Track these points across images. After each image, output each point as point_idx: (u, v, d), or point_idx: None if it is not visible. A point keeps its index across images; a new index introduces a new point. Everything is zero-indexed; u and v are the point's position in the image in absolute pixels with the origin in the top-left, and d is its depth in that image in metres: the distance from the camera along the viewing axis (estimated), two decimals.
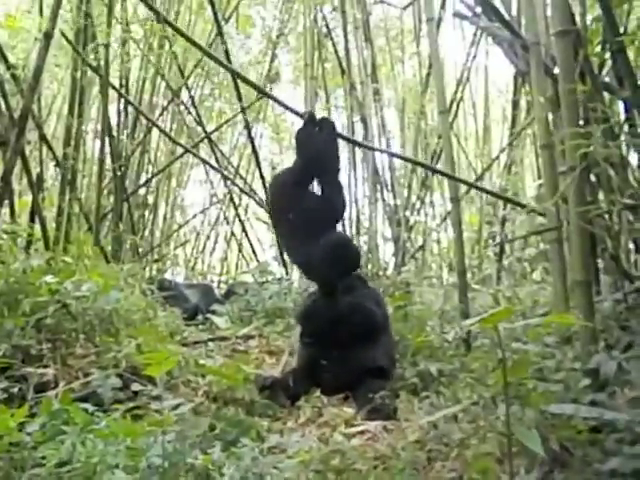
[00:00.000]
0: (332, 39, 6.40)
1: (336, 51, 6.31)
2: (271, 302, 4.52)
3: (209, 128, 6.94)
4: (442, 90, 3.75)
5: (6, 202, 3.88)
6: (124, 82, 5.91)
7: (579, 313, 1.99)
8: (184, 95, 6.75)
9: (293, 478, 1.66)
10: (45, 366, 2.49)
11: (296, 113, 3.28)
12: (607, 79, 2.63)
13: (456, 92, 5.82)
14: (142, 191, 6.60)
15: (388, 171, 5.96)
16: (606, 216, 2.36)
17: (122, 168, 5.52)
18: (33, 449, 1.79)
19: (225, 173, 6.89)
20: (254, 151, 6.53)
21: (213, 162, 6.82)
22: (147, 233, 6.80)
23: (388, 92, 7.36)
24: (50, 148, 5.00)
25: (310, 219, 2.91)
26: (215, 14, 5.79)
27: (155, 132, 6.62)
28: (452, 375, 2.64)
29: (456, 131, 6.50)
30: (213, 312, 4.53)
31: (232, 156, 8.09)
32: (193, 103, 6.73)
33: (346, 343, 2.78)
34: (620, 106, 2.63)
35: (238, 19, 7.49)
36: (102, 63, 4.67)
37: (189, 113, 6.92)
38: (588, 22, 2.60)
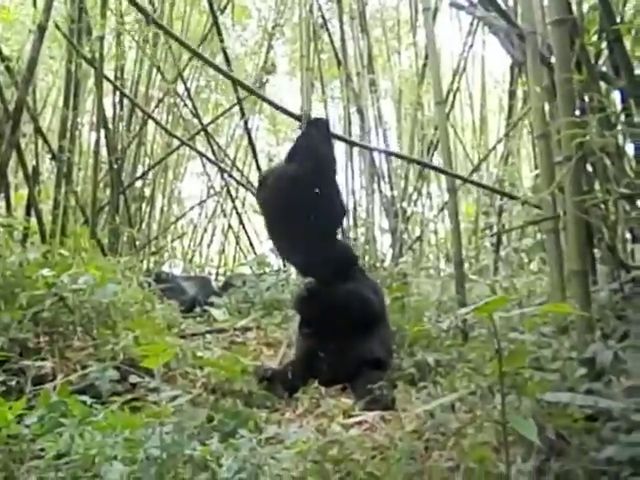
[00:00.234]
0: (328, 30, 6.37)
1: (332, 42, 6.28)
2: (269, 294, 4.53)
3: (205, 120, 6.91)
4: (439, 81, 3.74)
5: (2, 195, 3.87)
6: (119, 74, 5.89)
7: (576, 303, 1.99)
8: (180, 87, 6.72)
9: (291, 468, 1.67)
10: (43, 359, 2.49)
11: (290, 114, 3.27)
12: (604, 68, 2.62)
13: (453, 82, 5.81)
14: (139, 184, 6.58)
15: (385, 162, 5.96)
16: (602, 206, 2.36)
17: (118, 161, 5.51)
18: (31, 441, 1.80)
19: (222, 165, 6.87)
20: (251, 143, 6.51)
21: (210, 154, 6.80)
22: (144, 226, 6.79)
23: (384, 83, 7.35)
24: (45, 141, 4.98)
25: (310, 223, 2.85)
26: (211, 5, 5.75)
27: (151, 124, 6.59)
28: (449, 365, 2.64)
29: (453, 122, 6.49)
30: (211, 304, 4.54)
31: (229, 148, 8.07)
32: (189, 95, 6.71)
33: (343, 332, 2.78)
34: (616, 96, 2.63)
35: (234, 10, 7.44)
36: (97, 55, 4.64)
37: (185, 105, 6.90)
38: (584, 11, 2.59)
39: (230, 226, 8.33)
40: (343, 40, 6.18)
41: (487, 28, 4.04)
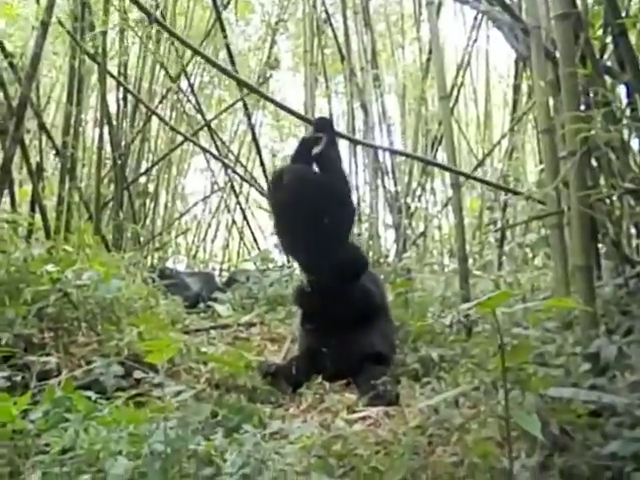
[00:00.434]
0: (332, 25, 6.35)
1: (336, 37, 6.26)
2: (272, 289, 4.53)
3: (209, 116, 6.91)
4: (442, 76, 3.73)
5: (6, 191, 3.87)
6: (123, 70, 5.89)
7: (580, 298, 1.98)
8: (183, 83, 6.72)
9: (295, 463, 1.67)
10: (47, 354, 2.50)
11: (298, 116, 3.26)
12: (608, 63, 2.61)
13: (457, 77, 5.79)
14: (143, 180, 6.59)
15: (389, 158, 5.94)
16: (607, 201, 2.36)
17: (122, 157, 5.51)
18: (36, 436, 1.80)
19: (225, 161, 6.87)
20: (254, 138, 6.50)
21: (213, 150, 6.80)
22: (148, 222, 6.79)
23: (388, 78, 7.32)
24: (49, 137, 4.99)
25: (326, 225, 2.81)
26: (214, 0, 5.74)
27: (155, 120, 6.59)
28: (453, 361, 2.64)
29: (457, 117, 6.47)
30: (215, 300, 4.54)
31: (232, 144, 8.06)
32: (192, 91, 6.70)
33: (345, 326, 2.77)
34: (622, 90, 2.61)
35: (237, 5, 7.42)
36: (100, 51, 4.64)
37: (188, 101, 6.89)
38: (589, 5, 2.58)
39: (234, 222, 8.33)
40: (347, 35, 6.15)
41: (491, 22, 4.02)
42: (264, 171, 6.39)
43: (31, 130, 5.35)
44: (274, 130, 9.22)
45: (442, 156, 6.02)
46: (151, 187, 6.91)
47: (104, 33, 4.58)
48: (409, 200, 5.78)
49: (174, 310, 3.61)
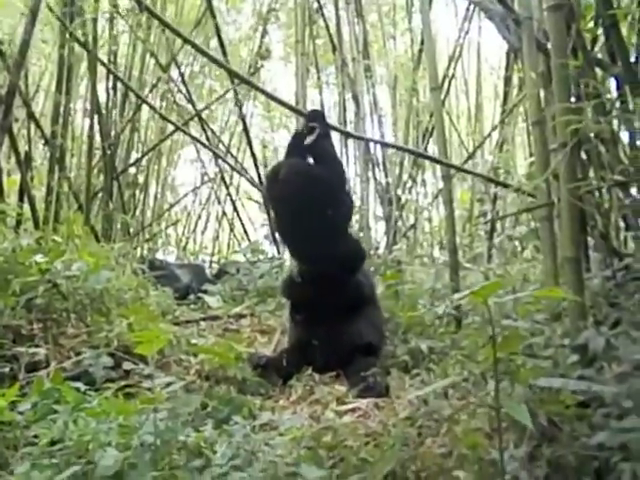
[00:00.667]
0: (323, 15, 6.31)
1: (327, 27, 6.23)
2: (262, 281, 4.53)
3: (199, 106, 6.86)
4: (434, 67, 3.72)
5: None
6: (113, 58, 5.84)
7: (568, 290, 1.99)
8: (174, 73, 6.67)
9: (285, 455, 1.67)
10: (36, 346, 2.49)
11: (290, 107, 3.26)
12: (599, 55, 2.61)
13: (448, 69, 5.79)
14: (133, 170, 6.55)
15: (380, 149, 5.94)
16: (596, 193, 2.36)
17: (112, 146, 5.47)
18: (25, 428, 1.80)
19: (216, 151, 6.83)
20: (245, 129, 6.47)
21: (204, 140, 6.76)
22: (138, 212, 6.76)
23: (380, 69, 7.30)
24: (38, 126, 4.95)
25: (326, 219, 2.80)
26: None
27: (145, 110, 6.54)
28: (443, 352, 2.65)
29: (448, 108, 6.47)
30: (205, 291, 4.54)
31: (223, 134, 8.02)
32: (183, 80, 6.65)
33: (333, 316, 2.77)
34: (612, 82, 2.62)
35: None
36: (90, 38, 4.59)
37: (179, 91, 6.84)
38: None
39: (224, 213, 8.31)
40: (338, 25, 6.12)
41: (483, 13, 4.01)
42: (255, 162, 6.37)
43: (20, 119, 5.30)
44: (265, 120, 9.18)
45: (433, 148, 6.03)
46: (141, 178, 6.87)
47: (94, 20, 4.53)
48: (400, 192, 5.79)
49: (164, 301, 3.59)
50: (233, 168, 6.97)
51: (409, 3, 6.42)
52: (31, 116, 4.88)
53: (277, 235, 3.45)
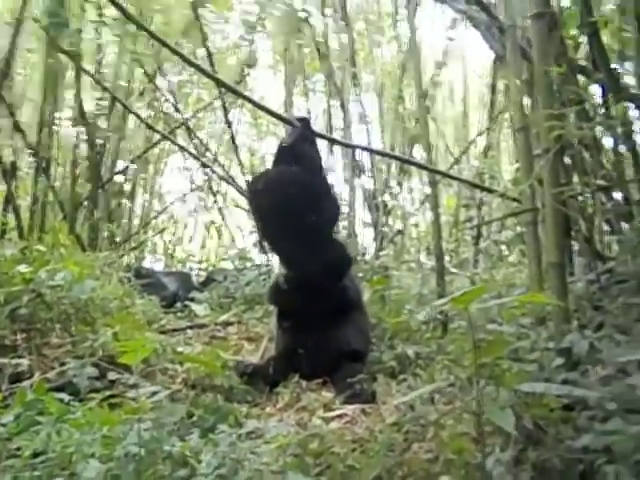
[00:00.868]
0: (310, 24, 6.34)
1: (314, 36, 6.26)
2: (250, 288, 4.51)
3: (186, 115, 6.85)
4: (420, 74, 3.74)
5: None
6: (99, 68, 5.82)
7: (553, 294, 2.00)
8: (161, 82, 6.65)
9: (271, 463, 1.66)
10: (20, 356, 2.47)
11: (276, 115, 3.27)
12: (582, 62, 2.64)
13: (434, 76, 5.82)
14: (119, 179, 6.52)
15: (367, 156, 5.96)
16: (580, 198, 2.38)
17: (98, 155, 5.45)
18: (7, 440, 1.77)
19: (203, 160, 6.81)
20: (232, 137, 6.46)
21: (191, 149, 6.74)
22: (125, 221, 6.73)
23: (367, 77, 7.33)
24: (24, 136, 4.92)
25: (310, 224, 2.81)
26: None
27: (131, 119, 6.52)
28: (429, 357, 2.65)
29: (434, 115, 6.50)
30: (192, 299, 4.51)
31: (210, 142, 8.00)
32: (170, 89, 6.64)
33: (320, 323, 2.76)
34: (595, 89, 2.64)
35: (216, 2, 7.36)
36: (75, 49, 4.58)
37: (166, 100, 6.83)
38: (564, 4, 2.61)
39: (212, 221, 8.28)
40: (325, 34, 6.15)
41: (468, 21, 4.05)
42: (242, 170, 6.35)
43: (5, 129, 5.26)
44: (252, 128, 9.17)
45: (420, 154, 6.05)
46: (128, 186, 6.84)
47: (79, 30, 4.52)
48: (387, 198, 5.80)
49: (150, 310, 3.57)
50: (220, 176, 6.95)
51: (395, 12, 6.46)
52: (16, 126, 4.85)
53: (264, 243, 3.43)
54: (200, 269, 7.60)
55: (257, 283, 4.53)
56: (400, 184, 6.05)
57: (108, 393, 2.13)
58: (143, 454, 1.61)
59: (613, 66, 2.48)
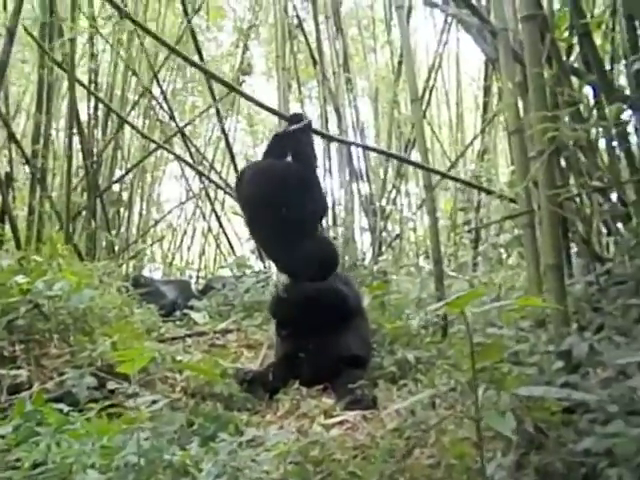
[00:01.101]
0: (303, 30, 6.36)
1: (308, 42, 6.27)
2: (249, 296, 4.50)
3: (182, 123, 6.86)
4: (414, 78, 3.75)
5: None
6: (94, 77, 5.82)
7: (552, 296, 2.00)
8: (156, 90, 6.66)
9: (271, 471, 1.66)
10: (18, 367, 2.46)
11: (270, 110, 3.27)
12: (575, 64, 2.65)
13: (428, 80, 5.83)
14: (117, 188, 6.51)
15: (363, 161, 5.96)
16: (576, 199, 2.38)
17: (94, 165, 5.44)
18: (7, 452, 1.76)
19: (199, 168, 6.81)
20: (228, 144, 6.47)
21: (187, 157, 6.75)
22: (123, 230, 6.72)
23: (361, 82, 7.36)
24: (19, 146, 4.91)
25: (292, 218, 2.82)
26: (184, 5, 5.71)
27: (128, 128, 6.52)
28: (429, 362, 2.65)
29: (429, 119, 6.51)
30: (191, 308, 4.50)
31: (206, 150, 8.01)
32: (165, 97, 6.65)
33: (320, 329, 2.76)
34: (589, 90, 2.65)
35: (209, 11, 7.38)
36: (68, 59, 4.57)
37: (161, 108, 6.84)
38: (555, 6, 2.61)
39: (210, 229, 8.28)
40: (319, 40, 6.16)
41: (460, 25, 4.06)
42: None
43: (0, 140, 5.26)
44: (248, 135, 9.19)
45: (416, 158, 6.05)
46: (125, 195, 6.84)
47: (72, 40, 4.52)
48: (384, 203, 5.80)
49: (149, 319, 3.56)
50: (217, 184, 6.95)
51: (388, 16, 6.48)
52: (12, 136, 4.85)
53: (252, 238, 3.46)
54: (199, 277, 7.60)
55: (256, 290, 4.52)
56: (397, 188, 6.05)
57: (107, 403, 2.12)
58: (143, 464, 1.60)
59: (605, 67, 2.49)
